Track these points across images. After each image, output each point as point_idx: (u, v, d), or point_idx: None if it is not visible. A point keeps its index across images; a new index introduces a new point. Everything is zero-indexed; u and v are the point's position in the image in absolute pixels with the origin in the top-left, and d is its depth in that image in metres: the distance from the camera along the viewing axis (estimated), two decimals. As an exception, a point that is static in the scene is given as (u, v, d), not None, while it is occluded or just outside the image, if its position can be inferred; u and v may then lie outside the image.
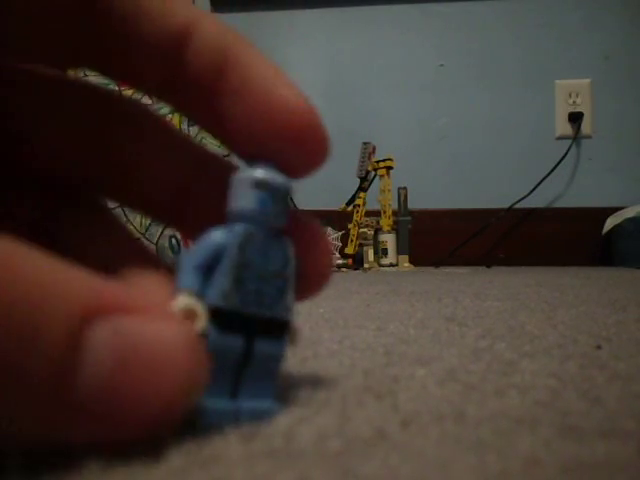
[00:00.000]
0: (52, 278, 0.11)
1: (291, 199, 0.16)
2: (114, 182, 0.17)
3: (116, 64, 0.15)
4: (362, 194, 1.40)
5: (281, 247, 0.15)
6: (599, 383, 0.19)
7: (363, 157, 1.40)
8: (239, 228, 0.15)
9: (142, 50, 0.15)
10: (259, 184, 0.15)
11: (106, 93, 0.17)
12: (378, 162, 1.39)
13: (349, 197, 1.42)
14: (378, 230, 1.41)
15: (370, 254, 1.38)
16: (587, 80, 1.57)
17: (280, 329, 0.15)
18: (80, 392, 0.11)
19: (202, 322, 0.14)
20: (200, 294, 0.14)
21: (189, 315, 0.13)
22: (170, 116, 1.25)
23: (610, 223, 1.43)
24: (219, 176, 0.17)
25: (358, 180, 1.40)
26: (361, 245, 1.40)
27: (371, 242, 1.40)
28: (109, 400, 0.11)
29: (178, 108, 0.16)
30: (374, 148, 1.40)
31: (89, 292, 0.11)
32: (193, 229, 0.17)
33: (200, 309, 0.14)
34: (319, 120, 0.15)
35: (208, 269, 0.14)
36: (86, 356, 0.11)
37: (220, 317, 0.14)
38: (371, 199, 1.40)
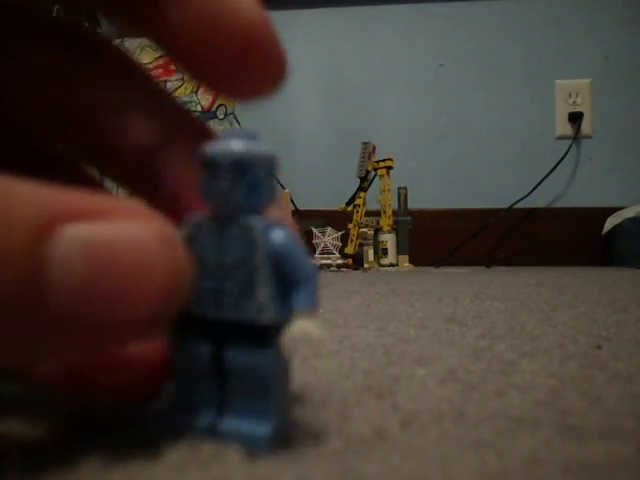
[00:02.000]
0: (4, 193, 0.10)
1: (274, 176, 0.13)
2: (75, 132, 0.15)
3: None
4: (362, 194, 1.40)
5: (243, 233, 0.12)
6: (599, 383, 0.19)
7: (363, 157, 1.40)
8: (187, 218, 0.13)
9: None
10: (210, 163, 0.12)
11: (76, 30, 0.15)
12: (378, 162, 1.39)
13: (349, 197, 1.42)
14: (378, 230, 1.40)
15: (370, 254, 1.38)
16: (587, 80, 1.57)
17: (258, 334, 0.12)
18: (55, 306, 0.10)
19: None
20: None
21: None
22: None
23: (610, 223, 1.43)
24: (195, 145, 0.14)
25: (358, 180, 1.40)
26: (361, 245, 1.40)
27: (371, 242, 1.39)
28: (89, 310, 0.10)
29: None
30: (374, 148, 1.40)
31: (48, 203, 0.10)
32: (164, 204, 0.14)
33: None
34: (273, 34, 0.13)
35: None
36: (54, 268, 0.10)
37: (182, 322, 0.12)
38: (371, 199, 1.40)
